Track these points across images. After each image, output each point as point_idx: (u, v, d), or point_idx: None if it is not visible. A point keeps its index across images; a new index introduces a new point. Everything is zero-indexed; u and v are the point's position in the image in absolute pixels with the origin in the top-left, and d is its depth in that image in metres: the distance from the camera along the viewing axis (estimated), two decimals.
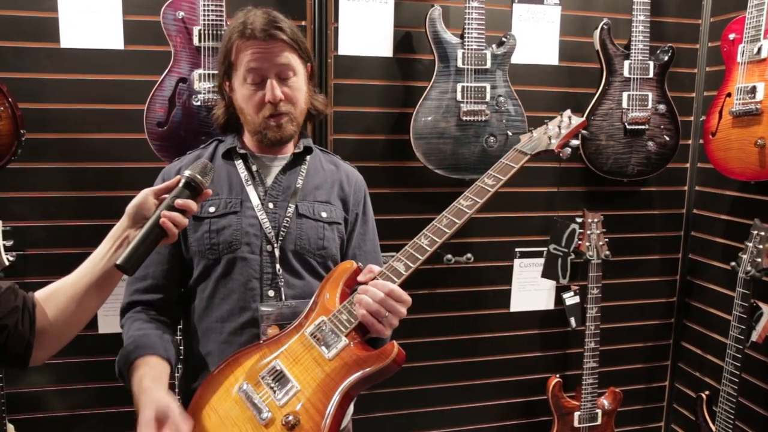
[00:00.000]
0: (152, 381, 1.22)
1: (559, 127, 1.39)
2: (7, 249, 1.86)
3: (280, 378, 1.19)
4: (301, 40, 1.39)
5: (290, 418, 1.13)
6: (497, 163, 1.35)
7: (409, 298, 1.22)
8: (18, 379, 2.05)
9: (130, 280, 1.38)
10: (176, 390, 1.95)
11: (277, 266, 1.36)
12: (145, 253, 1.10)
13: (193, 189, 1.16)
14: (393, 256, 1.26)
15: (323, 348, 1.21)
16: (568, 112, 1.42)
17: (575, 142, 1.38)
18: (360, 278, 1.28)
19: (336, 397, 1.15)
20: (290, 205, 1.40)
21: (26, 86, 1.94)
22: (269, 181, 1.42)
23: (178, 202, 1.13)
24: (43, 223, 2.03)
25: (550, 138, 1.37)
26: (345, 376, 1.17)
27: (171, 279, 1.40)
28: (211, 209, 1.37)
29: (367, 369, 1.17)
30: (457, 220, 1.25)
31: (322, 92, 2.11)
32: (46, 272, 2.01)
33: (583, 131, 1.43)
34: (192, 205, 1.15)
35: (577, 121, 1.40)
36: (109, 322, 2.06)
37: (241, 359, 1.26)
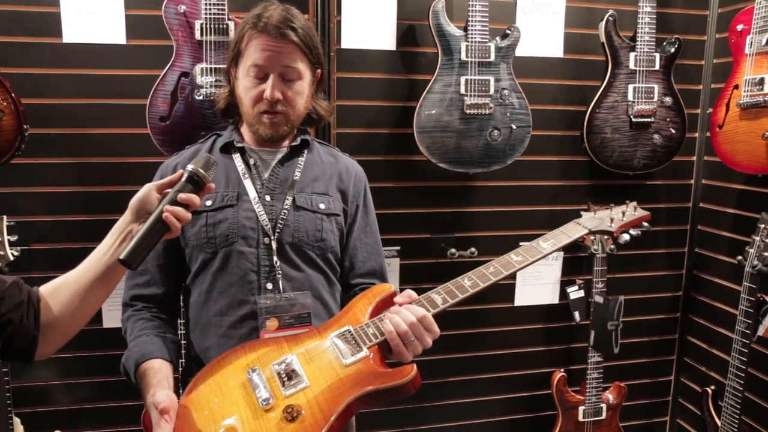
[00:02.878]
0: (157, 384, 1.22)
1: (623, 213, 1.50)
2: (11, 244, 1.87)
3: (291, 371, 1.18)
4: (314, 45, 1.39)
5: (292, 410, 1.12)
6: (555, 230, 1.42)
7: (438, 331, 1.24)
8: (24, 373, 2.07)
9: (129, 275, 1.40)
10: (179, 385, 1.96)
11: (275, 259, 1.36)
12: (148, 248, 1.10)
13: (195, 183, 1.16)
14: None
15: (342, 353, 1.21)
16: (634, 203, 1.53)
17: (634, 232, 1.48)
18: (396, 299, 1.28)
19: (343, 404, 1.13)
20: (287, 197, 1.39)
21: (29, 81, 1.94)
22: (266, 173, 1.42)
23: (181, 196, 1.12)
24: (47, 218, 2.04)
25: (611, 220, 1.47)
26: (358, 385, 1.16)
27: (168, 273, 1.41)
28: (208, 203, 1.37)
29: (382, 385, 1.16)
30: (504, 271, 1.30)
31: (326, 86, 2.10)
32: (51, 267, 2.01)
33: (645, 224, 1.51)
34: (195, 199, 1.14)
35: (641, 213, 1.50)
36: (113, 317, 2.07)
37: (258, 346, 1.26)
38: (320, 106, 1.49)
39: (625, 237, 1.47)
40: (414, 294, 1.28)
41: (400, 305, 1.25)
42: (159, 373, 1.24)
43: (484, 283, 1.28)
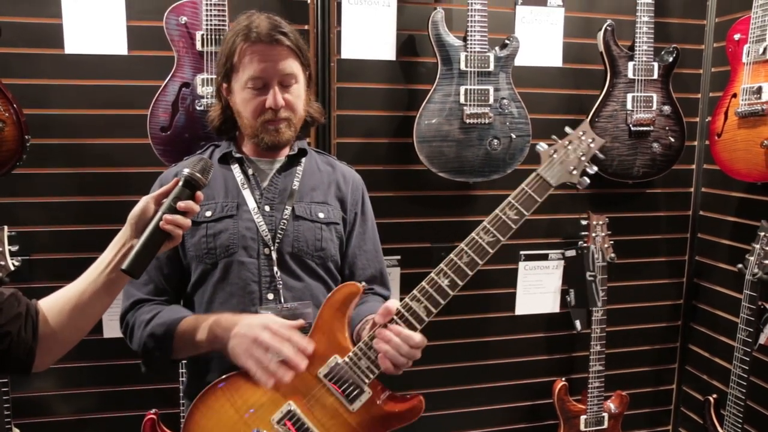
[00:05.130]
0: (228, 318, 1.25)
1: (582, 153, 1.31)
2: (12, 254, 1.87)
3: (299, 427, 1.15)
4: (303, 46, 1.40)
5: None
6: (517, 191, 1.26)
7: (425, 341, 1.20)
8: (24, 384, 2.06)
9: (129, 289, 1.37)
10: (180, 396, 1.96)
11: (275, 269, 1.36)
12: (150, 257, 1.10)
13: (193, 188, 1.15)
14: (406, 299, 1.18)
15: (345, 398, 1.18)
16: (585, 126, 1.33)
17: (591, 171, 1.31)
18: (377, 320, 1.21)
19: None
20: (287, 207, 1.40)
21: (31, 92, 1.94)
22: (265, 184, 1.42)
23: (180, 204, 1.11)
24: (48, 228, 2.04)
25: (572, 169, 1.30)
26: (373, 428, 1.17)
27: (171, 283, 1.40)
28: (208, 213, 1.37)
29: (396, 426, 1.18)
30: (479, 260, 1.21)
31: (326, 96, 2.11)
32: (52, 277, 2.01)
33: (599, 154, 1.34)
34: (193, 206, 1.13)
35: (598, 142, 1.32)
36: (113, 327, 2.06)
37: (245, 389, 1.19)
38: (313, 108, 1.50)
39: (585, 181, 1.30)
40: (393, 307, 1.19)
41: (385, 326, 1.18)
42: (210, 317, 1.26)
43: (462, 279, 1.20)
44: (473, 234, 1.22)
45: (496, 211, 1.24)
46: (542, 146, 1.31)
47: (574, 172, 1.30)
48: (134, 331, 1.34)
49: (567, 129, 1.34)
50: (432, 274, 1.20)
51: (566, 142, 1.31)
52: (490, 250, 1.22)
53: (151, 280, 1.38)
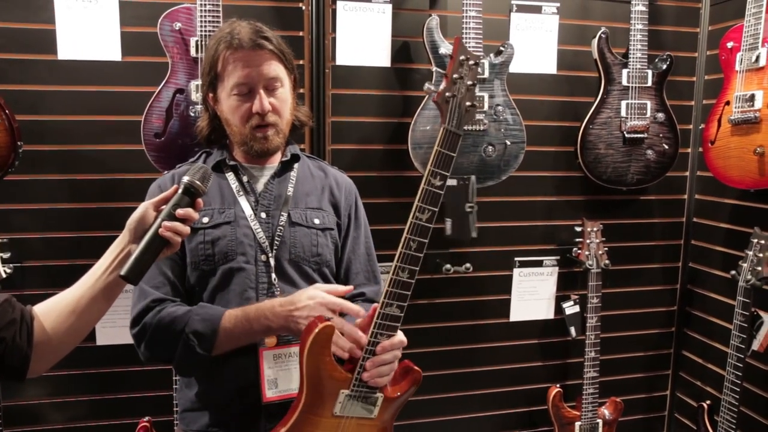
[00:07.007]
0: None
1: (471, 82, 1.22)
2: (4, 261, 1.86)
3: None
4: (287, 50, 1.40)
5: None
6: (437, 155, 1.21)
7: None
8: (15, 392, 2.04)
9: (146, 289, 1.34)
10: (174, 403, 1.94)
11: (273, 275, 1.36)
12: (149, 263, 1.10)
13: (192, 195, 1.15)
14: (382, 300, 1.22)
15: (365, 414, 1.26)
16: (463, 49, 1.21)
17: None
18: (365, 322, 1.26)
19: None
20: (282, 213, 1.40)
21: (23, 98, 1.93)
22: (260, 190, 1.42)
23: (179, 212, 1.11)
24: (40, 235, 2.02)
25: (468, 105, 1.23)
26: (393, 416, 1.32)
27: (185, 286, 1.39)
28: (205, 219, 1.37)
29: (407, 396, 1.32)
30: (425, 240, 1.23)
31: (321, 102, 2.11)
32: (44, 284, 2.00)
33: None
34: (192, 213, 1.13)
35: (479, 58, 1.24)
36: (106, 334, 2.05)
37: None
38: (301, 113, 1.51)
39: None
40: (363, 311, 1.27)
41: (373, 353, 1.23)
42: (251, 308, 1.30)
43: (418, 265, 1.23)
44: (411, 219, 1.23)
45: (422, 185, 1.23)
46: (430, 86, 1.30)
47: (470, 104, 1.23)
48: (159, 332, 1.29)
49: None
50: (390, 275, 1.23)
51: (454, 76, 1.22)
52: (431, 226, 1.24)
53: (166, 282, 1.36)
